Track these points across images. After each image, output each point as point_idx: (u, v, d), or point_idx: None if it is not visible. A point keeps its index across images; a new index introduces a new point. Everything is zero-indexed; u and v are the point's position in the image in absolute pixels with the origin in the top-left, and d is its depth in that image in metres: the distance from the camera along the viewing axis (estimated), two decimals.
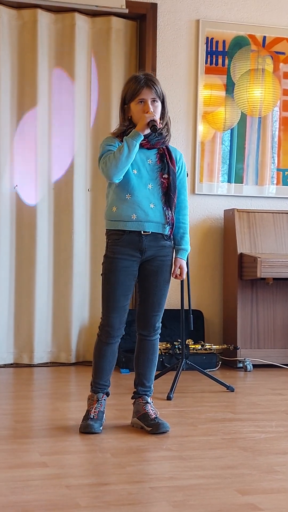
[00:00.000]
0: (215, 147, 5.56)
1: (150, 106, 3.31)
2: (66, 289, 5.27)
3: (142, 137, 3.27)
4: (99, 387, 3.43)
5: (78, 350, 5.31)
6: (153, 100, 3.33)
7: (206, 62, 5.52)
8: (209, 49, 5.51)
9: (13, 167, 5.20)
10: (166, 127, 3.40)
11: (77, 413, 3.63)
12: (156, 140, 3.36)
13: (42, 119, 5.22)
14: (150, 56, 5.37)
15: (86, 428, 3.30)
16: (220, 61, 5.54)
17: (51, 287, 5.29)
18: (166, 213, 3.36)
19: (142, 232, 3.33)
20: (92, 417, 3.35)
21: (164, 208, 3.35)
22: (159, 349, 5.00)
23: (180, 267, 3.48)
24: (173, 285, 5.38)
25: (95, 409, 3.37)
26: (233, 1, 5.58)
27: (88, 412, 3.39)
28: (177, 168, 3.42)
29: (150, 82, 3.33)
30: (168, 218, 3.36)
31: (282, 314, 5.34)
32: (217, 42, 5.53)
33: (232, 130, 5.60)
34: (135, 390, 3.47)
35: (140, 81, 3.33)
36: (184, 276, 3.51)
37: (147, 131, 3.28)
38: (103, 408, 3.40)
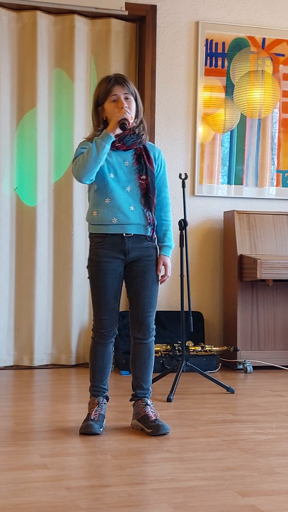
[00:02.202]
0: (215, 148, 5.56)
1: (124, 101, 3.30)
2: (66, 290, 5.27)
3: (113, 138, 3.24)
4: (98, 391, 3.43)
5: (78, 351, 5.31)
6: (126, 97, 3.31)
7: (205, 64, 5.52)
8: (208, 51, 5.52)
9: (13, 168, 5.21)
10: (141, 125, 3.37)
11: (77, 415, 3.63)
12: (132, 141, 3.33)
13: (42, 121, 5.22)
14: (149, 58, 5.37)
15: (86, 429, 3.30)
16: (219, 63, 5.55)
17: (51, 288, 5.29)
18: (147, 214, 3.35)
19: (124, 234, 3.34)
20: (93, 418, 3.35)
21: (144, 210, 3.34)
22: (159, 351, 5.01)
23: (164, 264, 3.42)
24: (173, 287, 5.40)
25: (95, 411, 3.38)
26: (233, 3, 5.59)
27: (88, 414, 3.39)
28: (156, 166, 3.40)
29: (120, 79, 3.34)
30: (149, 219, 3.36)
31: (282, 315, 5.34)
32: (216, 44, 5.54)
33: (232, 131, 5.60)
34: (134, 392, 3.47)
35: (111, 80, 3.33)
36: (169, 274, 3.45)
37: (118, 131, 3.24)
38: (103, 412, 3.40)
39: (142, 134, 3.37)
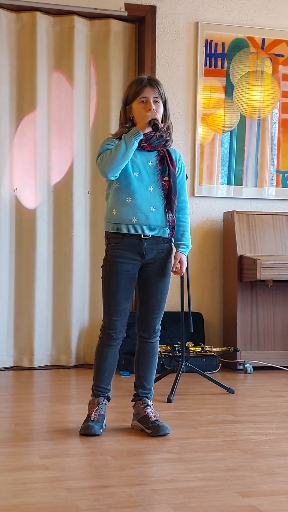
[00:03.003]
0: (215, 149, 5.56)
1: (153, 104, 3.31)
2: (66, 291, 5.27)
3: (142, 136, 3.26)
4: (100, 391, 3.43)
5: (78, 352, 5.30)
6: (155, 100, 3.33)
7: (205, 65, 5.52)
8: (208, 51, 5.52)
9: (12, 170, 5.20)
10: (168, 131, 3.39)
11: (77, 416, 3.63)
12: (157, 143, 3.35)
13: (42, 122, 5.22)
14: (149, 58, 5.37)
15: (86, 430, 3.30)
16: (219, 63, 5.55)
17: (50, 289, 5.29)
18: (167, 216, 3.35)
19: (142, 235, 3.33)
20: (92, 419, 3.34)
21: (166, 211, 3.35)
22: (159, 351, 5.00)
23: (180, 261, 3.43)
24: (173, 287, 5.39)
25: (95, 412, 3.37)
26: (232, 3, 5.59)
27: (88, 415, 3.39)
28: (177, 170, 3.42)
29: (153, 81, 3.35)
30: (169, 220, 3.36)
31: (282, 316, 5.34)
32: (216, 44, 5.54)
33: (231, 132, 5.60)
34: (135, 392, 3.47)
35: (143, 81, 3.34)
36: (184, 271, 3.47)
37: (148, 129, 3.26)
38: (103, 412, 3.40)
39: (168, 139, 3.39)
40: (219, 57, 5.55)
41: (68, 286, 5.26)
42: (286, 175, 5.72)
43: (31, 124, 5.20)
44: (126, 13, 5.26)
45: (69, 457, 2.99)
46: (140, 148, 3.32)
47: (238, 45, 5.58)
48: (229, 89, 5.58)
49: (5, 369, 5.17)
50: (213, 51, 5.54)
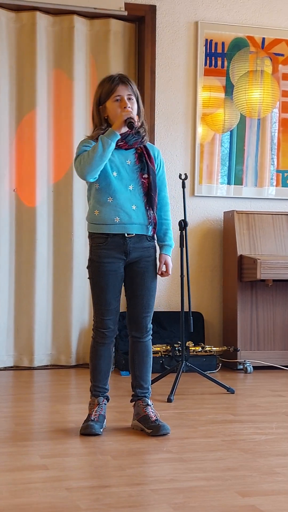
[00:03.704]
0: (215, 149, 5.56)
1: (127, 102, 3.30)
2: (66, 291, 5.27)
3: (118, 136, 3.25)
4: (98, 391, 3.43)
5: (78, 352, 5.30)
6: (129, 97, 3.32)
7: (205, 64, 5.52)
8: (208, 51, 5.52)
9: (12, 169, 5.21)
10: (143, 127, 3.38)
11: (77, 416, 3.63)
12: (134, 140, 3.34)
13: (41, 122, 5.22)
14: (149, 58, 5.37)
15: (87, 429, 3.30)
16: (219, 63, 5.55)
17: (50, 289, 5.29)
18: (148, 213, 3.35)
19: (126, 234, 3.34)
20: (93, 419, 3.34)
21: (146, 208, 3.35)
22: (159, 351, 5.01)
23: (166, 263, 3.44)
24: (173, 287, 5.39)
25: (95, 412, 3.37)
26: (232, 2, 5.59)
27: (89, 415, 3.39)
28: (156, 166, 3.41)
29: (124, 78, 3.34)
30: (150, 218, 3.36)
31: (282, 315, 5.34)
32: (216, 44, 5.53)
33: (231, 131, 5.60)
34: (133, 392, 3.47)
35: (115, 79, 3.33)
36: (170, 273, 3.47)
37: (124, 129, 3.25)
38: (103, 412, 3.40)
39: (144, 135, 3.38)
40: (219, 56, 5.55)
41: (68, 286, 5.26)
42: (286, 174, 5.72)
43: (31, 123, 5.20)
44: (126, 13, 5.26)
45: (69, 457, 2.99)
46: (117, 147, 3.31)
47: (238, 45, 5.58)
48: (229, 89, 5.58)
49: (5, 369, 5.17)
50: (213, 51, 5.53)
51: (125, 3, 5.25)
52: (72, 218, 5.25)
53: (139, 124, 3.33)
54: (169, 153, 5.45)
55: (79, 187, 5.29)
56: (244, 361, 5.20)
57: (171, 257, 3.48)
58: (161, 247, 3.48)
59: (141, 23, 5.43)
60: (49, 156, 5.26)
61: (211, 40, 5.53)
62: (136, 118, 3.28)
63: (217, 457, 2.98)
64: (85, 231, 5.28)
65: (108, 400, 3.46)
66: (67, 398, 4.33)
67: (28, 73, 5.19)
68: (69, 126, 5.26)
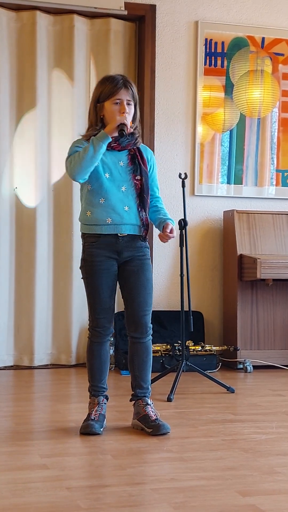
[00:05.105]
0: (215, 148, 5.56)
1: (126, 107, 3.31)
2: (66, 290, 5.27)
3: (110, 139, 3.26)
4: (97, 390, 3.44)
5: (78, 351, 5.30)
6: (128, 103, 3.33)
7: (205, 64, 5.52)
8: (208, 50, 5.52)
9: (12, 169, 5.21)
10: (136, 129, 3.39)
11: (77, 415, 3.63)
12: (127, 142, 3.35)
13: (42, 121, 5.22)
14: (149, 57, 5.37)
15: (87, 428, 3.30)
16: (219, 62, 5.55)
17: (51, 288, 5.29)
18: (141, 214, 3.37)
19: (118, 234, 3.34)
20: (93, 418, 3.35)
21: (139, 210, 3.36)
22: (159, 350, 5.01)
23: (171, 229, 3.36)
24: (173, 286, 5.39)
25: (95, 411, 3.38)
26: (232, 2, 5.59)
27: (89, 414, 3.39)
28: (148, 168, 3.42)
29: (127, 83, 3.34)
30: (143, 219, 3.37)
31: (282, 315, 5.34)
32: (216, 43, 5.53)
33: (231, 131, 5.60)
34: (133, 392, 3.47)
35: (118, 82, 3.33)
36: (174, 234, 3.40)
37: (115, 133, 3.26)
38: (103, 411, 3.40)
39: (137, 136, 3.39)
40: (219, 56, 5.55)
41: (68, 285, 5.26)
42: (286, 174, 5.72)
43: (31, 123, 5.20)
44: (126, 12, 5.26)
45: (69, 456, 2.99)
46: (110, 148, 3.32)
47: (238, 44, 5.58)
48: (229, 88, 5.58)
49: (5, 368, 5.17)
50: (213, 50, 5.53)
51: (125, 2, 5.25)
52: (72, 217, 5.25)
53: (131, 130, 3.33)
54: (169, 152, 5.45)
55: (79, 186, 5.28)
56: (244, 360, 5.20)
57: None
58: (164, 221, 3.42)
59: (141, 23, 5.43)
60: (49, 156, 5.26)
61: (211, 40, 5.53)
62: (129, 124, 3.28)
63: (218, 456, 2.98)
64: None
65: (107, 399, 3.46)
66: (67, 398, 4.33)
67: (28, 72, 5.19)
68: (69, 126, 5.26)
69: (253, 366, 5.20)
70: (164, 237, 3.40)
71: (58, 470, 2.77)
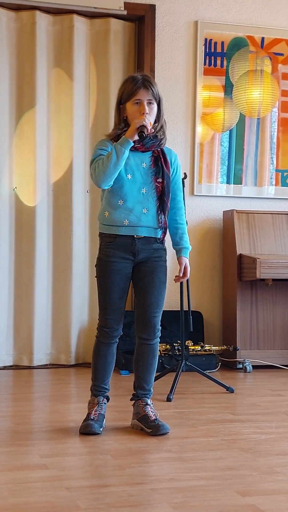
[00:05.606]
0: (214, 148, 5.56)
1: (146, 107, 3.30)
2: (66, 290, 5.27)
3: (132, 144, 3.24)
4: (99, 390, 3.43)
5: (78, 351, 5.30)
6: (149, 102, 3.31)
7: (204, 63, 5.52)
8: (207, 50, 5.52)
9: (12, 168, 5.20)
10: (161, 130, 3.38)
11: (77, 415, 3.63)
12: (152, 143, 3.33)
13: (41, 121, 5.22)
14: (148, 57, 5.37)
15: (86, 428, 3.30)
16: (218, 62, 5.55)
17: (50, 288, 5.29)
18: (159, 217, 3.35)
19: (135, 236, 3.34)
20: (92, 418, 3.35)
21: (158, 213, 3.35)
22: (159, 350, 5.00)
23: (185, 267, 3.45)
24: (173, 287, 5.39)
25: (95, 411, 3.38)
26: (232, 2, 5.59)
27: (88, 414, 3.39)
28: (171, 170, 3.40)
29: (147, 83, 3.31)
30: (161, 222, 3.36)
31: (281, 315, 5.34)
32: (215, 43, 5.53)
33: (230, 131, 5.60)
34: (135, 392, 3.47)
35: (138, 82, 3.31)
36: (188, 276, 3.48)
37: (136, 137, 3.24)
38: (103, 411, 3.40)
39: (162, 138, 3.37)
40: (219, 56, 5.55)
41: (67, 285, 5.26)
42: (285, 174, 5.72)
43: (30, 122, 5.20)
44: (125, 12, 5.26)
45: (69, 456, 2.99)
46: (134, 149, 3.30)
47: (238, 44, 5.58)
48: (228, 88, 5.58)
49: (5, 368, 5.17)
50: (212, 50, 5.53)
51: (124, 2, 5.25)
52: (71, 217, 5.25)
53: (152, 131, 3.31)
54: None
55: (79, 186, 5.29)
56: (244, 360, 5.20)
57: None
58: (178, 251, 3.47)
59: (141, 23, 5.43)
60: (49, 155, 5.26)
61: (210, 40, 5.53)
62: (150, 125, 3.25)
63: (217, 456, 2.98)
64: (85, 230, 5.35)
65: (108, 400, 3.46)
66: (67, 398, 4.33)
67: (28, 72, 5.19)
68: (69, 125, 5.26)
69: (252, 366, 5.20)
70: (177, 280, 3.47)
71: (58, 470, 2.77)
